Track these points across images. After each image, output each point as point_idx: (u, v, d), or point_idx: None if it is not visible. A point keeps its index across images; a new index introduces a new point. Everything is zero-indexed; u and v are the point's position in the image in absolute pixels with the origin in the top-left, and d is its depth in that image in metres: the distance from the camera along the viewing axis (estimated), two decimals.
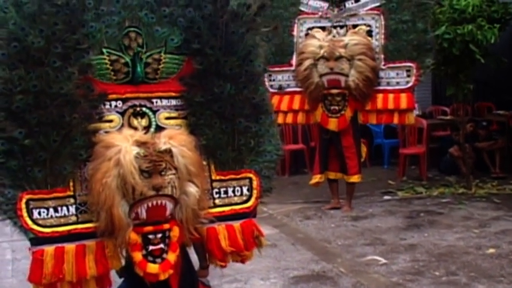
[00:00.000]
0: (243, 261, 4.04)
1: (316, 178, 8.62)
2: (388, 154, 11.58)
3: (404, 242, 7.08)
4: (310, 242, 7.32)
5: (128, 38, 3.73)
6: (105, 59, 3.69)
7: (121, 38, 3.72)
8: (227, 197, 3.96)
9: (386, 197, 9.36)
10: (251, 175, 3.98)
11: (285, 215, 8.55)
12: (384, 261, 6.46)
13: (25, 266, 3.51)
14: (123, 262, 3.71)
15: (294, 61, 8.47)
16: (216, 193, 3.94)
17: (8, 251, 7.11)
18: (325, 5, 8.48)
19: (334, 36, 8.30)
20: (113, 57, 3.71)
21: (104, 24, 3.67)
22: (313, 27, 8.50)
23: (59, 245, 3.53)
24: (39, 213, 3.52)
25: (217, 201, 3.93)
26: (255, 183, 3.98)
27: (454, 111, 10.81)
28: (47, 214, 3.54)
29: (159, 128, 3.77)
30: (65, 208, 3.58)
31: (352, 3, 8.43)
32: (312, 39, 8.27)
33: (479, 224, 7.68)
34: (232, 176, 3.96)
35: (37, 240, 3.51)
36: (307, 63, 8.16)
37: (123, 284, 3.94)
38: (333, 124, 8.25)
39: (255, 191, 3.99)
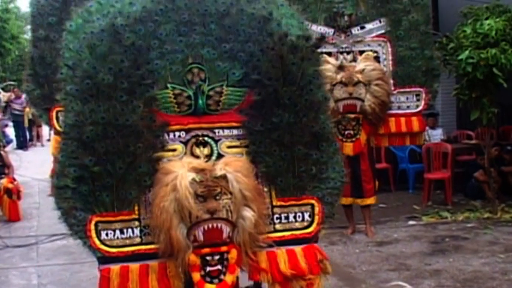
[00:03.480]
0: (310, 286, 4.10)
1: None
2: (413, 179, 11.52)
3: (429, 268, 7.03)
4: (334, 268, 7.20)
5: (191, 73, 3.95)
6: (169, 93, 3.92)
7: (184, 73, 3.91)
8: (288, 222, 4.08)
9: (411, 222, 9.31)
10: (313, 201, 4.09)
11: None
12: (408, 286, 6.41)
13: None
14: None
15: None
16: (277, 218, 4.06)
17: (34, 276, 7.18)
18: (330, 31, 8.53)
19: (341, 62, 8.36)
20: (177, 91, 3.94)
21: (168, 61, 3.88)
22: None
23: (124, 264, 3.78)
24: (107, 234, 3.78)
25: (277, 226, 4.07)
26: (317, 209, 4.09)
27: (479, 136, 10.75)
28: (114, 235, 3.79)
29: (221, 156, 3.94)
30: (130, 230, 3.82)
31: (358, 30, 8.52)
32: (326, 64, 8.25)
33: (505, 249, 7.60)
34: (293, 202, 4.08)
35: (104, 259, 3.77)
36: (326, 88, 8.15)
37: None
38: (348, 148, 8.25)
39: (316, 217, 4.10)
